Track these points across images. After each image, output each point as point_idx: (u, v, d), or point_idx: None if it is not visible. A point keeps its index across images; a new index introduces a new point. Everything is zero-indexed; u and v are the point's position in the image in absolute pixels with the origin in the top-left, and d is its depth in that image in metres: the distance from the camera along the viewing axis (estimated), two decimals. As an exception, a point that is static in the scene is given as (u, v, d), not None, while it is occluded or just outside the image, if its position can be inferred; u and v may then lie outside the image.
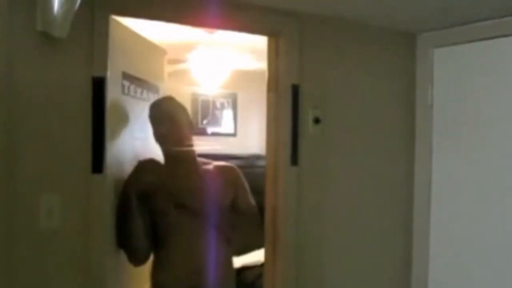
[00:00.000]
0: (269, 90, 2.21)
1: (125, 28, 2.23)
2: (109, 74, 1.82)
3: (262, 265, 2.32)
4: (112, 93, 1.93)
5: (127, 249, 2.13)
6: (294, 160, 2.16)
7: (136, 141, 2.42)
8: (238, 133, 5.02)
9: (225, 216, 2.20)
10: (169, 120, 2.19)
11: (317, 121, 2.21)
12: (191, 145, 2.24)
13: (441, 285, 2.38)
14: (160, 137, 2.22)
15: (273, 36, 2.18)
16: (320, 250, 2.26)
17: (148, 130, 2.54)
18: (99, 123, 1.79)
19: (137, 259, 2.17)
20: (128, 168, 2.27)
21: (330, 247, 2.28)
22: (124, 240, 2.10)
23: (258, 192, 2.38)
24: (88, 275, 1.78)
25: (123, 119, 2.26)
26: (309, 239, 2.22)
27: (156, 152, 2.69)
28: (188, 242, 2.13)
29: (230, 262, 2.30)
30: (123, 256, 2.22)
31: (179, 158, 2.21)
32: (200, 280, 2.12)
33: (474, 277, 2.25)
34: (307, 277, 2.22)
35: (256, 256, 3.38)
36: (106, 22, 1.81)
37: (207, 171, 2.26)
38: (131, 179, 2.10)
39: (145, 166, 2.15)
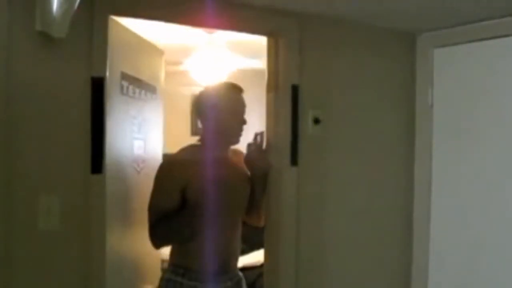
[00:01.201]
0: (268, 90, 2.20)
1: (124, 28, 2.23)
2: (108, 74, 1.81)
3: (262, 265, 2.32)
4: (111, 93, 1.93)
5: (160, 239, 2.11)
6: (294, 160, 2.15)
7: (135, 141, 2.41)
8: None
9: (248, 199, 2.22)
10: (241, 112, 2.15)
11: (316, 121, 2.20)
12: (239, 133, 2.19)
13: (441, 285, 2.38)
14: (218, 125, 2.12)
15: (273, 36, 2.17)
16: (320, 250, 2.26)
17: (148, 130, 2.54)
18: (98, 123, 1.79)
19: (162, 246, 2.22)
20: (128, 168, 2.27)
21: (330, 247, 2.28)
22: (163, 235, 2.09)
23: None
24: (88, 276, 1.78)
25: (122, 119, 2.25)
26: (309, 239, 2.21)
27: (155, 152, 2.69)
28: (216, 227, 2.10)
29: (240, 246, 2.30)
30: (122, 256, 2.22)
31: (222, 148, 2.17)
32: (223, 263, 2.15)
33: (475, 277, 2.25)
34: (307, 277, 2.21)
35: (256, 257, 3.38)
36: (105, 22, 1.81)
37: (237, 160, 2.23)
38: (175, 174, 2.04)
39: (178, 162, 2.09)
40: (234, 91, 2.16)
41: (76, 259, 1.76)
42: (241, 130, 2.15)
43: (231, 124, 2.12)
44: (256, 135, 2.20)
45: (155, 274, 2.76)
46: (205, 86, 2.23)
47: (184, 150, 2.15)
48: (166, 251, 3.54)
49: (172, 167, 2.08)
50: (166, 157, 2.15)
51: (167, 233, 2.07)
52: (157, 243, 2.13)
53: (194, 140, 2.22)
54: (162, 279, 2.15)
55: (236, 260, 2.24)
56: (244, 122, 2.15)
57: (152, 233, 2.07)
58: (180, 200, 2.05)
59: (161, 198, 2.05)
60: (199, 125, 2.26)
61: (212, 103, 2.12)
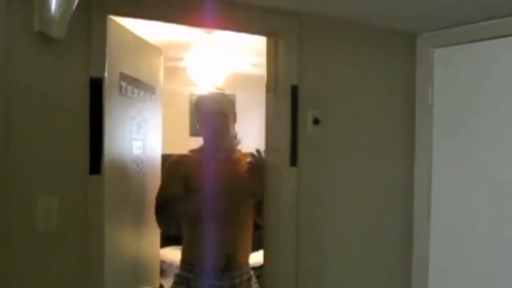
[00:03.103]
0: (268, 90, 2.20)
1: (123, 28, 2.22)
2: (106, 75, 1.80)
3: (261, 266, 2.32)
4: (109, 93, 1.92)
5: (165, 216, 2.38)
6: (293, 161, 2.15)
7: (134, 142, 2.41)
8: (237, 134, 4.99)
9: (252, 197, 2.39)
10: (219, 116, 2.38)
11: (316, 121, 2.19)
12: (231, 135, 2.48)
13: (441, 285, 2.37)
14: (208, 130, 2.42)
15: (272, 36, 2.16)
16: (319, 251, 2.25)
17: (147, 131, 2.53)
18: (96, 123, 1.78)
19: (167, 225, 2.48)
20: (127, 169, 2.27)
21: (330, 247, 2.27)
22: (169, 212, 2.35)
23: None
24: (86, 277, 1.77)
25: (121, 119, 2.25)
26: (309, 240, 2.21)
27: (154, 153, 2.68)
28: (218, 224, 2.29)
29: (250, 244, 2.49)
30: (121, 257, 2.21)
31: (219, 148, 2.41)
32: (229, 260, 2.31)
33: (474, 277, 2.24)
34: (307, 279, 2.20)
35: (256, 258, 3.38)
36: (103, 22, 1.80)
37: (240, 159, 2.44)
38: (178, 166, 2.38)
39: (183, 160, 2.40)
40: (213, 96, 2.52)
41: (75, 259, 1.75)
42: (214, 134, 2.39)
43: (205, 128, 2.42)
44: (252, 155, 2.31)
45: (154, 275, 2.76)
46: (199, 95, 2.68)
47: (191, 150, 2.47)
48: (165, 252, 3.54)
49: (176, 161, 2.41)
50: (175, 156, 2.46)
51: (172, 211, 2.33)
52: (163, 222, 2.41)
53: (193, 140, 2.29)
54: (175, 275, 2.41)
55: (245, 258, 2.43)
56: (215, 127, 2.37)
57: (159, 214, 2.36)
58: (183, 189, 2.32)
59: (168, 185, 2.36)
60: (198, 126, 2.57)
61: (195, 110, 2.50)
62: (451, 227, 2.34)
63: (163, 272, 3.56)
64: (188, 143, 2.63)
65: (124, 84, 2.23)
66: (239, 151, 2.51)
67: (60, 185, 1.73)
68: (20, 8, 1.62)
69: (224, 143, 2.43)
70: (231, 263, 2.32)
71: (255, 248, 2.50)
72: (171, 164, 2.41)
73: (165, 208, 2.34)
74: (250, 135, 2.98)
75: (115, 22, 2.07)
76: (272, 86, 2.17)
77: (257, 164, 2.28)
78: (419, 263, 2.44)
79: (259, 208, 2.35)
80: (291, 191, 2.15)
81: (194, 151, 2.46)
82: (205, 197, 2.27)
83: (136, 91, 2.39)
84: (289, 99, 2.14)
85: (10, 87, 1.63)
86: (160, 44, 2.82)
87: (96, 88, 1.77)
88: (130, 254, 2.42)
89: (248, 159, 2.33)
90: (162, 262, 3.51)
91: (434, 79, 2.40)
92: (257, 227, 2.46)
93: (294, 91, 2.14)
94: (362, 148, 2.36)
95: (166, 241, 3.72)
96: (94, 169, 1.77)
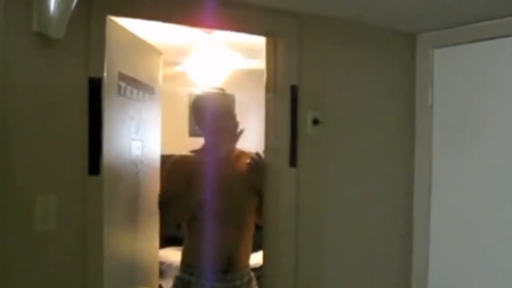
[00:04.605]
0: (267, 91, 2.19)
1: (122, 29, 2.22)
2: (105, 75, 1.80)
3: (260, 267, 2.31)
4: (108, 93, 1.92)
5: (171, 213, 2.29)
6: (293, 161, 2.14)
7: (133, 142, 2.40)
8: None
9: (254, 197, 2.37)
10: (222, 114, 2.34)
11: (316, 122, 2.19)
12: (234, 134, 2.38)
13: (441, 285, 2.37)
14: (211, 130, 2.37)
15: (272, 36, 2.16)
16: (319, 252, 2.25)
17: (145, 132, 2.53)
18: (95, 124, 1.77)
19: (172, 221, 2.48)
20: (126, 169, 2.26)
21: (330, 248, 2.27)
22: (173, 209, 2.27)
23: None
24: (86, 278, 1.76)
25: (120, 120, 2.24)
26: (309, 241, 2.20)
27: (153, 153, 2.68)
28: (219, 225, 2.27)
29: (251, 246, 2.47)
30: (120, 258, 2.20)
31: (222, 148, 2.34)
32: (230, 262, 2.30)
33: (474, 277, 2.24)
34: (306, 280, 2.20)
35: (255, 258, 3.37)
36: (103, 23, 1.80)
37: (242, 158, 2.42)
38: (181, 166, 2.32)
39: (185, 160, 2.35)
40: (216, 97, 2.48)
41: (73, 261, 1.75)
42: (217, 132, 2.34)
43: (212, 128, 2.35)
44: (252, 157, 2.32)
45: (153, 276, 2.76)
46: (196, 95, 2.59)
47: (193, 151, 2.43)
48: (165, 253, 3.53)
49: (178, 161, 2.35)
50: (176, 156, 2.42)
51: (177, 206, 2.25)
52: (167, 219, 2.35)
53: (192, 141, 2.28)
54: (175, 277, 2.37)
55: (246, 260, 2.42)
56: (224, 126, 2.32)
57: (163, 212, 2.30)
58: (186, 186, 2.24)
59: (172, 183, 2.28)
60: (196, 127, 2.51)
61: (197, 110, 2.42)
62: (451, 228, 2.34)
63: (162, 273, 3.56)
64: (187, 144, 2.62)
65: (123, 84, 2.23)
66: (241, 150, 2.49)
67: (58, 186, 1.73)
68: (18, 8, 1.62)
69: (227, 142, 2.38)
70: (232, 265, 2.31)
71: (255, 249, 2.49)
72: (173, 164, 2.36)
73: (169, 207, 2.28)
74: (250, 135, 2.98)
75: (115, 23, 2.06)
76: (272, 86, 2.16)
77: (256, 164, 2.28)
78: (419, 263, 2.44)
79: (260, 209, 2.34)
80: (291, 191, 2.15)
81: (195, 151, 2.43)
82: (207, 197, 2.25)
83: (135, 91, 2.38)
84: (288, 99, 2.13)
85: (8, 87, 1.62)
86: (160, 45, 2.81)
87: (95, 88, 1.76)
88: (129, 255, 2.41)
89: (248, 160, 2.32)
90: (162, 263, 3.50)
91: (434, 79, 2.39)
92: (256, 227, 2.45)
93: (294, 91, 2.14)
94: (362, 148, 2.35)
95: (166, 241, 3.72)
96: (93, 170, 1.77)
